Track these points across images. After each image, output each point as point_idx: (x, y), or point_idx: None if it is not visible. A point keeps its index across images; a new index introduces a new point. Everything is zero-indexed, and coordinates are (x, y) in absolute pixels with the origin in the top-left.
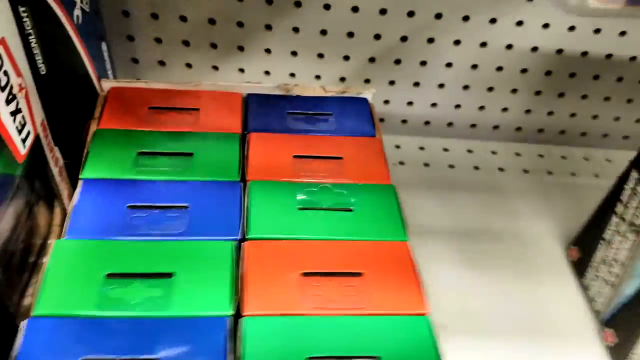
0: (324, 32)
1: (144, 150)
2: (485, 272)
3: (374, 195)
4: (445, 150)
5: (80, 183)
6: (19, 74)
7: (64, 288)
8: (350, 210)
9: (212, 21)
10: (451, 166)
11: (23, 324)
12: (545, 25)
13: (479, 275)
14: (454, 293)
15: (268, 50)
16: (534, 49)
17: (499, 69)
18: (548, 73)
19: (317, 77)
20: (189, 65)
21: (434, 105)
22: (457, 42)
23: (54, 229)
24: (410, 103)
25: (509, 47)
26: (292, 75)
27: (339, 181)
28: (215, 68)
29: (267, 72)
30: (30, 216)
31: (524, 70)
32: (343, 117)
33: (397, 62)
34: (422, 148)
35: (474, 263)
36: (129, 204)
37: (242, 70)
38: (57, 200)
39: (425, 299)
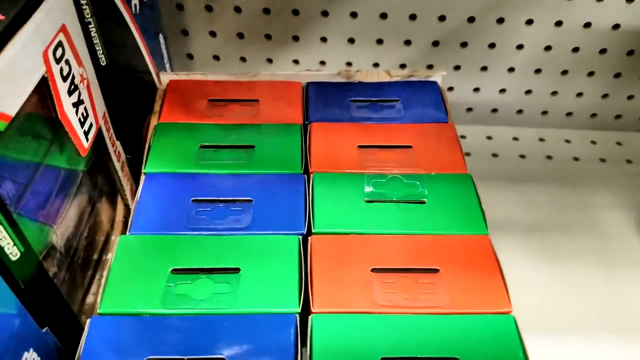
0: (383, 16)
1: (205, 144)
2: (560, 267)
3: (449, 185)
4: (515, 139)
5: (143, 178)
6: (80, 64)
7: (129, 285)
8: (423, 202)
9: (266, 11)
10: (522, 156)
11: (87, 322)
12: (629, 0)
13: (554, 270)
14: (527, 289)
15: (324, 39)
16: (615, 26)
17: (575, 50)
18: (630, 53)
19: (376, 64)
20: (243, 59)
21: (502, 91)
22: (529, 22)
23: (117, 225)
24: (476, 89)
25: (587, 25)
26: (349, 64)
27: (409, 171)
28: (270, 61)
29: (322, 62)
30: (93, 212)
31: (602, 51)
32: (411, 103)
33: (463, 45)
34: (489, 137)
35: (548, 258)
36: (192, 198)
37: (296, 61)
38: (120, 196)
39: (509, 297)
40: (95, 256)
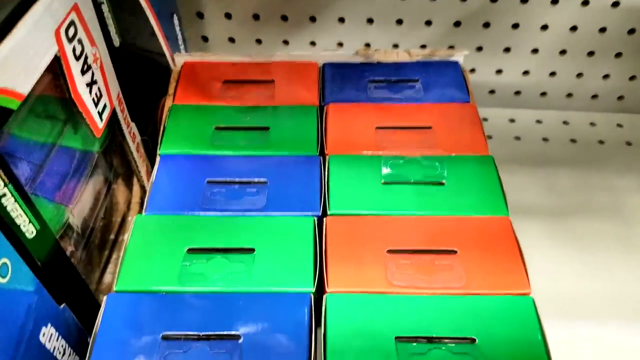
0: None
1: (220, 125)
2: (583, 251)
3: (470, 167)
4: (538, 122)
5: (158, 159)
6: (93, 44)
7: (145, 263)
8: (442, 183)
9: None
10: (545, 139)
11: (104, 299)
12: None
13: (576, 254)
14: (548, 273)
15: (341, 19)
16: None
17: (602, 30)
18: None
19: (395, 46)
20: (259, 41)
21: (525, 73)
22: (554, 1)
23: (133, 206)
24: (499, 71)
25: (615, 4)
26: (367, 45)
27: (428, 153)
28: (286, 42)
29: (340, 44)
30: (109, 193)
31: (631, 31)
32: (431, 83)
33: (486, 25)
34: (512, 120)
35: (570, 242)
36: (207, 179)
37: (313, 43)
38: (136, 178)
39: (529, 278)
40: (112, 237)
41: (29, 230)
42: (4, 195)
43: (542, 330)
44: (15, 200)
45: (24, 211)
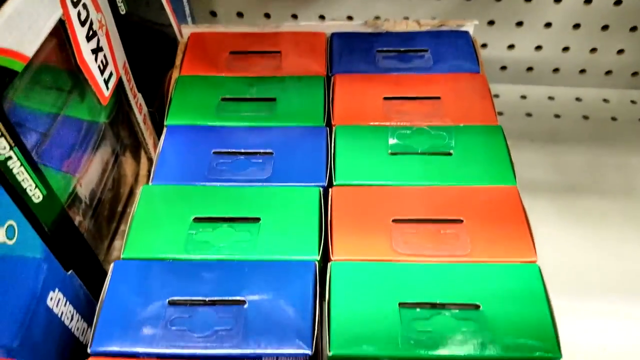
0: None
1: (226, 97)
2: (592, 228)
3: (478, 137)
4: (550, 98)
5: (165, 130)
6: (98, 10)
7: (152, 232)
8: (450, 154)
9: None
10: (557, 116)
11: (111, 266)
12: None
13: (586, 231)
14: (556, 249)
15: None
16: None
17: (617, 2)
18: None
19: (405, 19)
20: (267, 15)
21: (538, 48)
22: None
23: (141, 179)
24: (511, 46)
25: None
26: (377, 18)
27: (436, 123)
28: (295, 17)
29: (349, 17)
30: (116, 164)
31: None
32: (441, 53)
33: None
34: (523, 97)
35: (580, 219)
36: (214, 150)
37: (322, 17)
38: (143, 150)
39: (535, 247)
40: (120, 209)
41: (36, 195)
42: (10, 158)
43: (548, 298)
44: (22, 164)
45: (30, 175)
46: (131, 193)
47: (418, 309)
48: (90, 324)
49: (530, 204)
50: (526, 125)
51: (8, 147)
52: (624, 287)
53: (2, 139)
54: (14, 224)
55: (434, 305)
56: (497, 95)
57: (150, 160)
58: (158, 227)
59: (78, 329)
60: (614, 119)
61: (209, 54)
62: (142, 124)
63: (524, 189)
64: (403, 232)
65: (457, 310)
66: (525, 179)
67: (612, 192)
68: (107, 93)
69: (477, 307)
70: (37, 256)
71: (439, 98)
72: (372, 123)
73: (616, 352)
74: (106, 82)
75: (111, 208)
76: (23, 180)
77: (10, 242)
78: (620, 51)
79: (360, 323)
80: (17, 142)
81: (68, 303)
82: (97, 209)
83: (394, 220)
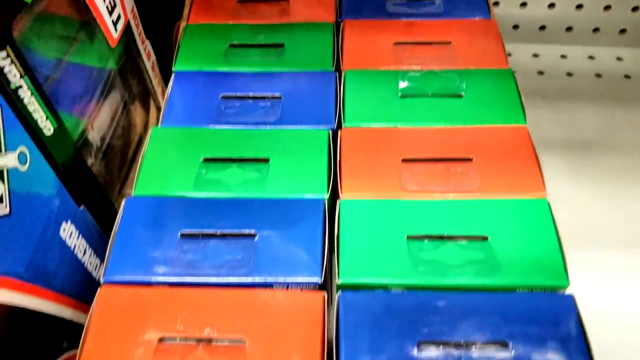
0: None
1: (234, 43)
2: (604, 185)
3: (488, 79)
4: (563, 57)
5: (173, 76)
6: None
7: (162, 171)
8: (460, 96)
9: None
10: (569, 74)
11: (123, 202)
12: None
13: (598, 188)
14: (566, 205)
15: None
16: None
17: None
18: None
19: None
20: None
21: (551, 6)
22: None
23: (150, 128)
24: (523, 4)
25: None
26: None
27: (447, 67)
28: None
29: None
30: (125, 112)
31: None
32: (452, 0)
33: None
34: (536, 55)
35: (592, 176)
36: (222, 95)
37: None
38: (152, 99)
39: (544, 183)
40: (130, 156)
41: (47, 127)
42: (21, 87)
43: (557, 232)
44: (32, 94)
45: (40, 106)
46: (140, 142)
47: (426, 241)
48: (102, 260)
49: (543, 161)
50: (538, 83)
51: (19, 75)
52: (634, 243)
53: (13, 66)
54: (26, 150)
55: (442, 238)
56: (509, 54)
57: (159, 109)
58: (168, 166)
59: (91, 263)
60: (627, 76)
61: (216, 2)
62: (150, 71)
63: (537, 146)
64: (412, 170)
65: (465, 242)
66: (538, 137)
67: (625, 149)
68: (115, 35)
69: (485, 238)
70: (50, 188)
71: (449, 43)
72: (382, 67)
73: (631, 309)
74: (114, 23)
75: (122, 155)
76: (34, 111)
77: (22, 168)
78: (635, 8)
79: (369, 254)
80: (28, 72)
81: (81, 237)
82: (107, 154)
83: (403, 160)
